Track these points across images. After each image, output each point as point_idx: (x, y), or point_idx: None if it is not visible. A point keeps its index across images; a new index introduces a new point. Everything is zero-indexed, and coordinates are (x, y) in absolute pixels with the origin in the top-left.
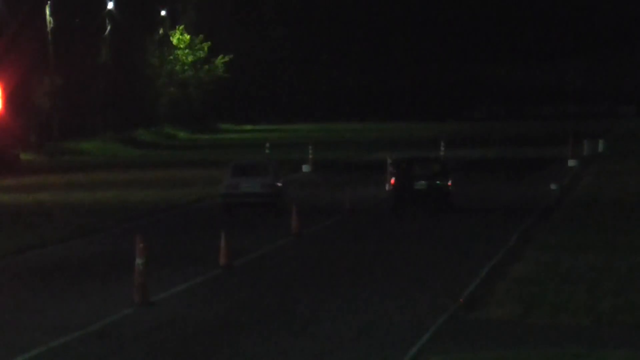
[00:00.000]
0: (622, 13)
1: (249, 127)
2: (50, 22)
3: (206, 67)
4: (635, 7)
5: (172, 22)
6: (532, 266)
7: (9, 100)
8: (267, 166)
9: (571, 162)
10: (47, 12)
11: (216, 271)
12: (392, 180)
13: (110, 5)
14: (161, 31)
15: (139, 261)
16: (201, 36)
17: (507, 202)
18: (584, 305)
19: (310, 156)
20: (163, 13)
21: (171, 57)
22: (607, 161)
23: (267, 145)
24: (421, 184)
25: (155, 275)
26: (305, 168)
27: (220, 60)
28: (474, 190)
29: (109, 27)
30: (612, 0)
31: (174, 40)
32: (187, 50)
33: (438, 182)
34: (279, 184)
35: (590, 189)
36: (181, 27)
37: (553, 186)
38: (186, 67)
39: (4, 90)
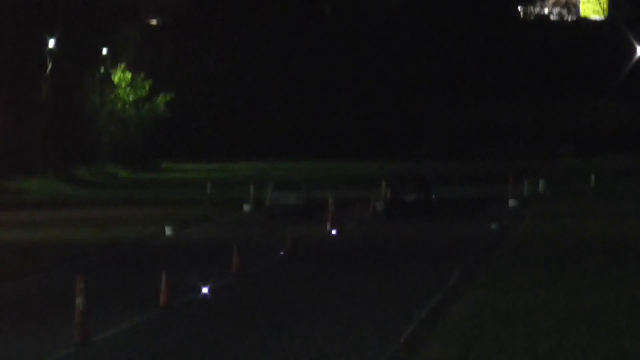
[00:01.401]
0: (560, 53)
1: (190, 165)
2: None
3: (147, 105)
4: (572, 48)
5: (113, 61)
6: (472, 306)
7: None
8: (300, 183)
9: (512, 202)
10: None
11: (156, 311)
12: (388, 194)
13: (51, 44)
14: (102, 70)
15: (79, 300)
16: (142, 74)
17: (447, 241)
18: (523, 345)
19: (252, 195)
20: (104, 51)
21: (112, 96)
22: (547, 201)
23: (209, 184)
24: (411, 196)
25: (96, 314)
26: (247, 207)
27: (161, 99)
28: (415, 229)
29: (50, 65)
30: (550, 41)
31: (115, 79)
32: (128, 89)
33: (423, 195)
34: (310, 197)
35: (530, 229)
36: (122, 66)
37: (493, 226)
38: (127, 106)
39: None
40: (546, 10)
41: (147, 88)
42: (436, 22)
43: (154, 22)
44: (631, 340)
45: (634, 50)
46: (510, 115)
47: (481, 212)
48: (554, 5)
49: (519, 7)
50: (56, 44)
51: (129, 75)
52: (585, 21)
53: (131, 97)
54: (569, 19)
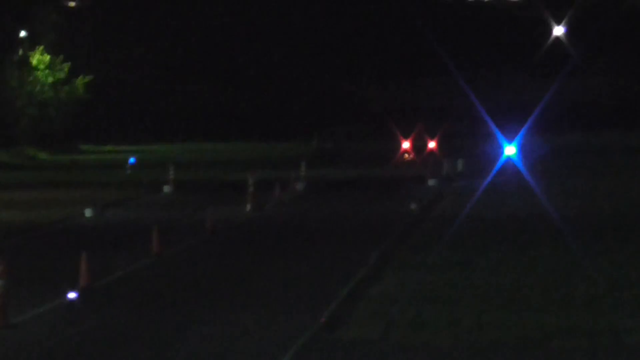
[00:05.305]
0: (478, 32)
1: (109, 147)
2: None
3: (66, 87)
4: (491, 27)
5: (31, 43)
6: (393, 285)
7: None
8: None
9: (431, 182)
10: None
11: (77, 292)
12: None
13: None
14: (20, 52)
15: None
16: (61, 57)
17: (366, 222)
18: (444, 324)
19: (171, 177)
20: (23, 34)
21: (31, 78)
22: (466, 180)
23: (128, 165)
24: None
25: (17, 297)
26: (167, 189)
27: (80, 80)
28: (334, 210)
29: None
30: (470, 23)
31: (34, 61)
32: (47, 71)
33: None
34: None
35: (450, 208)
36: (41, 48)
37: (412, 206)
38: (46, 88)
39: None
40: None
41: (66, 70)
42: (355, 3)
43: (72, 4)
44: (550, 318)
45: (551, 29)
46: (430, 95)
47: (400, 192)
48: None
49: None
50: None
51: (47, 57)
52: (503, 0)
53: (50, 80)
54: None
